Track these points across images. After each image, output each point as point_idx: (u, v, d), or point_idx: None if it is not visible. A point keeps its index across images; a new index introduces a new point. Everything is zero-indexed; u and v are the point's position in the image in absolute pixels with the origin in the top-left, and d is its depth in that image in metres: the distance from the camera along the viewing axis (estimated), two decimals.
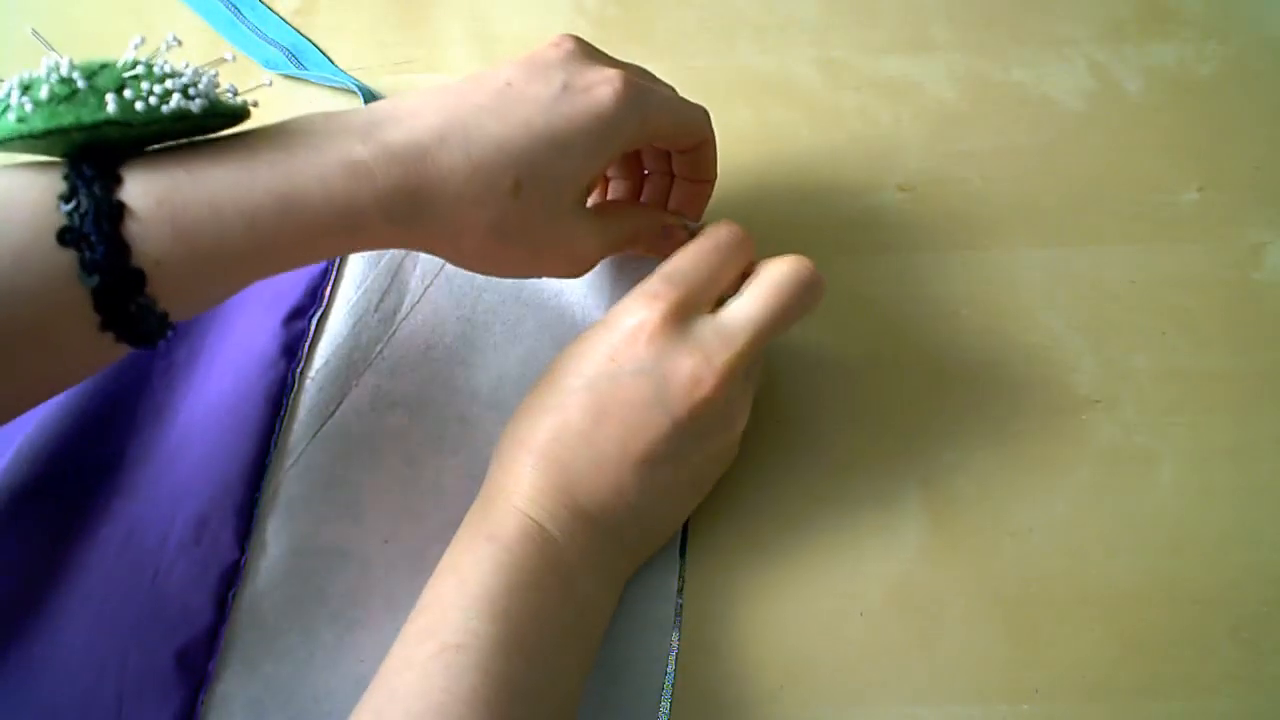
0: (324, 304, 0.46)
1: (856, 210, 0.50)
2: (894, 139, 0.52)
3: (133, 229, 0.31)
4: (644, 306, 0.38)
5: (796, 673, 0.39)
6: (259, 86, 0.37)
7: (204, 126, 0.34)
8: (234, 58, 0.37)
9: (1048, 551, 0.41)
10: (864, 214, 0.50)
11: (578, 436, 0.37)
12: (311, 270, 0.46)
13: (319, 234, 0.34)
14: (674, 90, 0.43)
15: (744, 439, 0.43)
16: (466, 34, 0.57)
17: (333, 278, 0.47)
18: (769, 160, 0.52)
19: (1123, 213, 0.49)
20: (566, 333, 0.46)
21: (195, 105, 0.32)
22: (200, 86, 0.33)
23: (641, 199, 0.47)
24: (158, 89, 0.32)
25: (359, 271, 0.47)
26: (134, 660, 0.38)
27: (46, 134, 0.31)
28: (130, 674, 0.38)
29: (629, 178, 0.47)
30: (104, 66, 0.32)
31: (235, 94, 0.35)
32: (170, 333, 0.33)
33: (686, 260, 0.40)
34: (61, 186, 0.31)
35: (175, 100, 0.32)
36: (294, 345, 0.45)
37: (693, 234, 0.43)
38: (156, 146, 0.33)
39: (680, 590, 0.41)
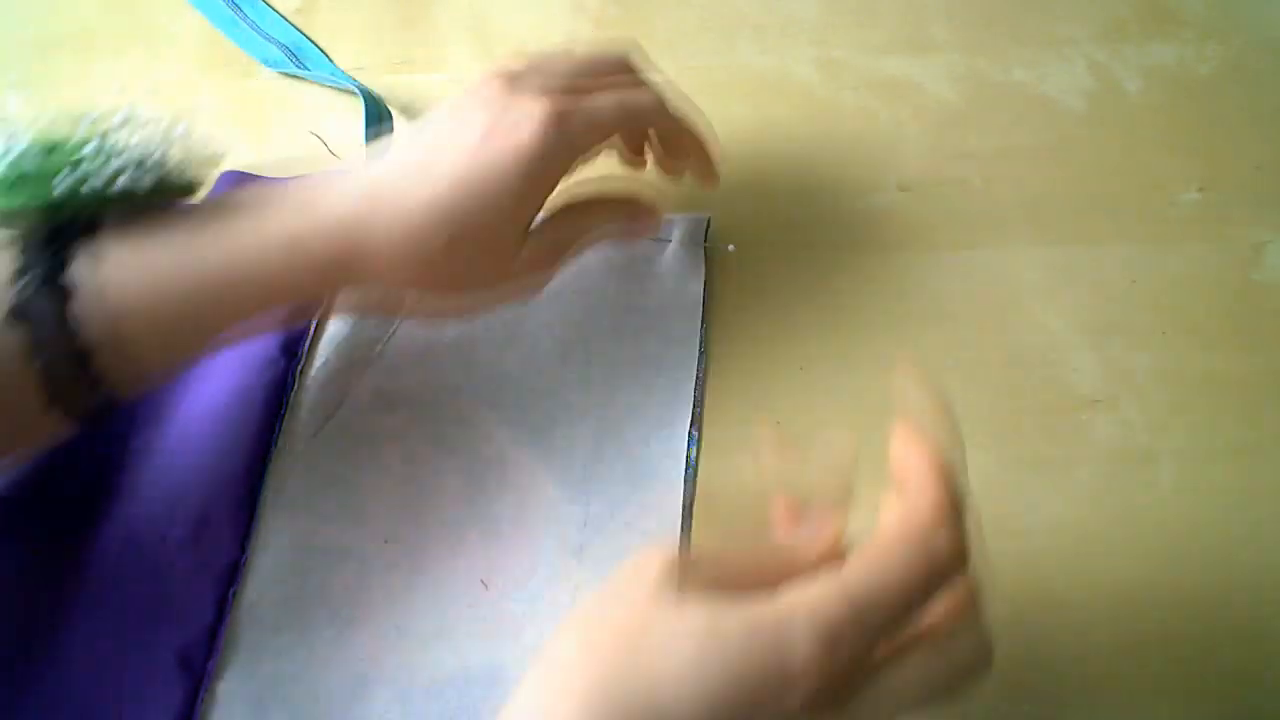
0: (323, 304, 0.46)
1: (856, 210, 0.50)
2: (894, 139, 0.52)
3: (78, 310, 0.32)
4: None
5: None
6: (213, 159, 0.38)
7: (156, 199, 0.35)
8: (185, 130, 0.37)
9: (1047, 551, 0.41)
10: (864, 214, 0.50)
11: None
12: None
13: (258, 306, 0.35)
14: (635, 78, 0.42)
15: (743, 440, 0.43)
16: (466, 34, 0.57)
17: None
18: (769, 160, 0.52)
19: (1123, 213, 0.49)
20: (567, 332, 0.46)
21: (145, 182, 0.34)
22: (151, 161, 0.34)
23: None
24: (106, 170, 0.33)
25: None
26: (134, 659, 0.38)
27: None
28: (130, 673, 0.38)
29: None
30: (55, 147, 0.33)
31: (189, 164, 0.36)
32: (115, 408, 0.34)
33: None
34: (12, 265, 0.32)
35: (122, 181, 0.33)
36: (294, 344, 0.45)
37: (654, 217, 0.43)
38: (112, 217, 0.34)
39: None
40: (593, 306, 0.47)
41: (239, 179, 0.49)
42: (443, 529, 0.42)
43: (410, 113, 0.54)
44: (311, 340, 0.45)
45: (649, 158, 0.46)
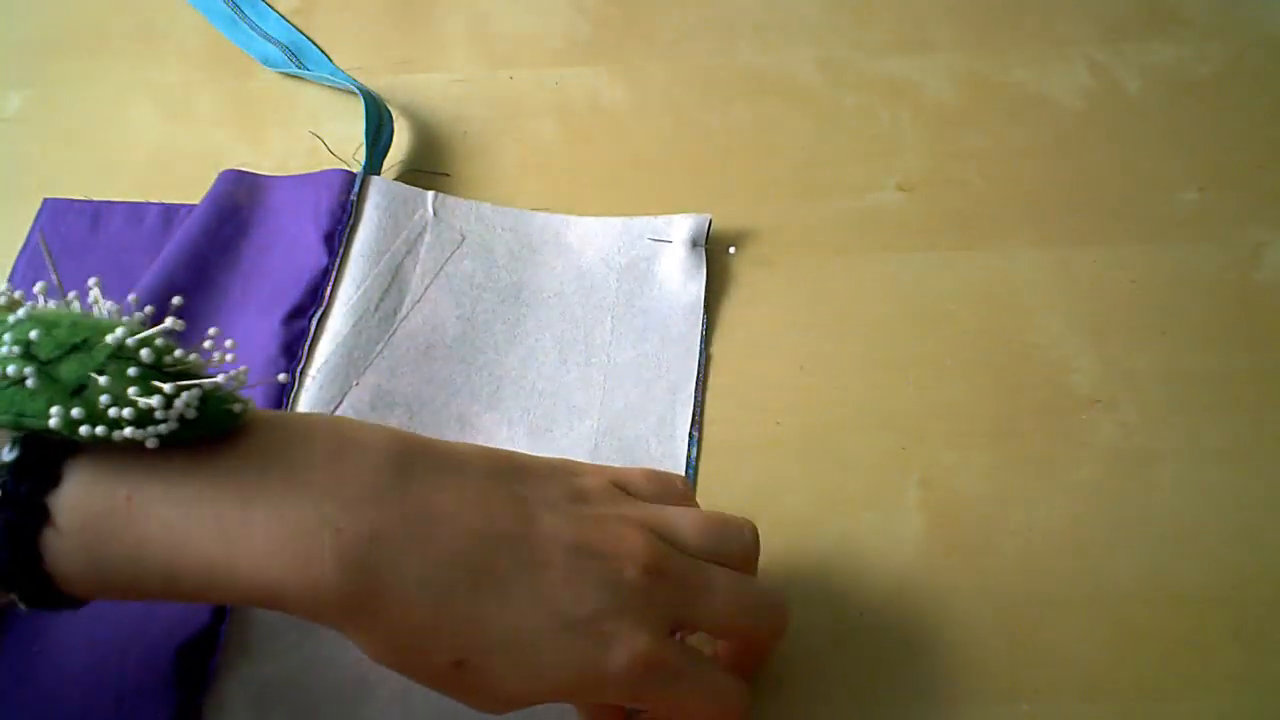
0: (324, 303, 0.46)
1: (856, 210, 0.50)
2: (894, 139, 0.52)
3: (50, 541, 0.27)
4: None
5: (796, 672, 0.39)
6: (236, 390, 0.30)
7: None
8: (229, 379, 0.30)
9: (1048, 551, 0.41)
10: (864, 214, 0.50)
11: None
12: (311, 269, 0.46)
13: (236, 600, 0.30)
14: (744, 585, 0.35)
15: (743, 440, 0.43)
16: (466, 34, 0.57)
17: (332, 277, 0.47)
18: (769, 160, 0.52)
19: (1123, 213, 0.49)
20: (567, 332, 0.46)
21: (161, 430, 0.28)
22: (177, 405, 0.28)
23: None
24: (114, 411, 0.27)
25: (359, 271, 0.47)
26: (134, 660, 0.38)
27: None
28: (130, 673, 0.37)
29: None
30: (75, 349, 0.27)
31: (227, 404, 0.30)
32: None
33: None
34: None
35: (129, 431, 0.27)
36: (294, 344, 0.45)
37: None
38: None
39: None
40: (593, 306, 0.47)
41: (238, 178, 0.49)
42: None
43: (410, 113, 0.54)
44: (312, 339, 0.45)
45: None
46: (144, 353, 0.28)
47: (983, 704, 0.38)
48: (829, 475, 0.43)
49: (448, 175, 0.52)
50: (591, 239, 0.49)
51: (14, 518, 0.27)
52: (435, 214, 0.49)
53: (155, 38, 0.58)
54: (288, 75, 0.55)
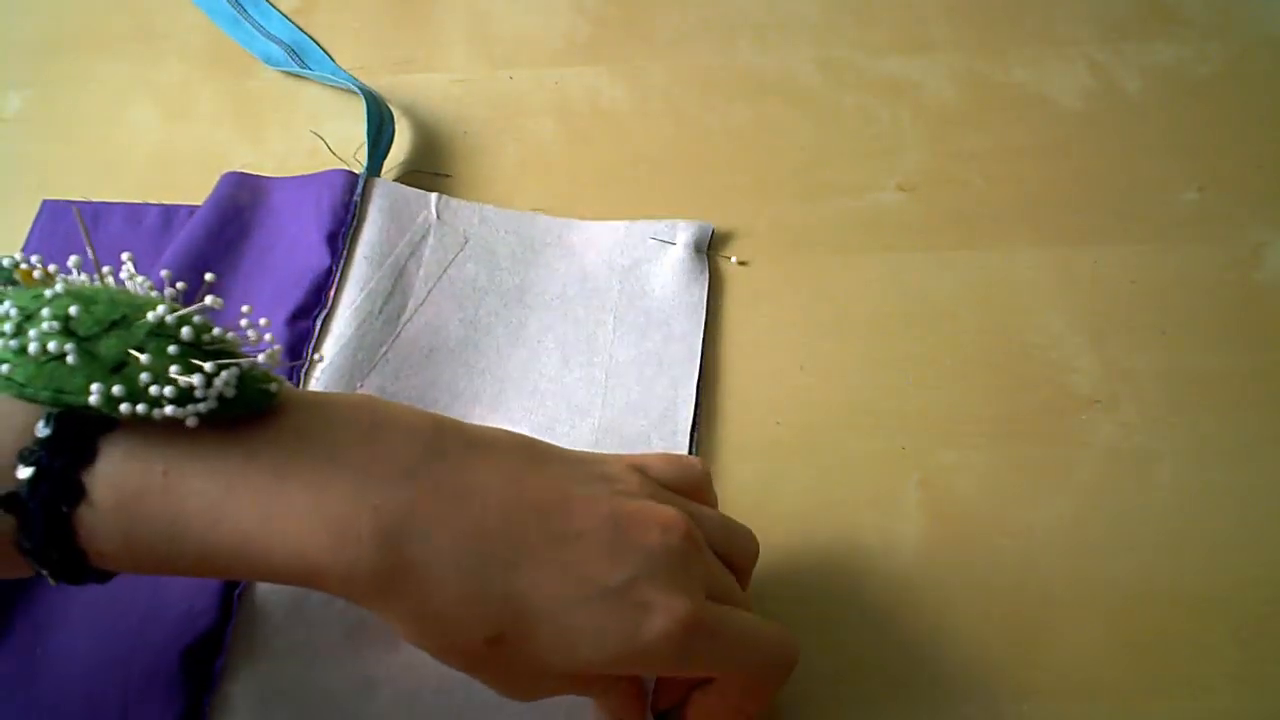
0: (328, 305, 0.46)
1: (856, 210, 0.50)
2: (894, 139, 0.52)
3: (85, 517, 0.27)
4: None
5: (796, 672, 0.39)
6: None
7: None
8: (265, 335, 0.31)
9: (1047, 551, 0.41)
10: (864, 214, 0.50)
11: None
12: (315, 270, 0.46)
13: (270, 578, 0.30)
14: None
15: (743, 440, 0.43)
16: (466, 34, 0.57)
17: (336, 279, 0.47)
18: (769, 160, 0.52)
19: (1123, 213, 0.49)
20: (569, 333, 0.46)
21: (200, 409, 0.28)
22: (217, 384, 0.28)
23: None
24: (155, 389, 0.27)
25: (363, 273, 0.47)
26: (139, 661, 0.38)
27: (21, 391, 0.27)
28: (135, 675, 0.37)
29: None
30: (115, 325, 0.27)
31: (264, 386, 0.29)
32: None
33: None
34: (31, 439, 0.27)
35: (170, 409, 0.27)
36: (298, 346, 0.45)
37: None
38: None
39: None
40: (595, 307, 0.47)
41: (240, 180, 0.49)
42: None
43: (410, 113, 0.54)
44: (316, 341, 0.45)
45: None
46: (184, 331, 0.28)
47: (983, 704, 0.38)
48: (829, 475, 0.43)
49: (449, 176, 0.52)
50: (594, 241, 0.49)
51: (49, 493, 0.27)
52: (438, 216, 0.49)
53: (155, 37, 0.58)
54: (288, 75, 0.55)
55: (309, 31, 0.57)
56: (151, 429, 0.28)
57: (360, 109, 0.51)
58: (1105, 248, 0.48)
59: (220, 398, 0.28)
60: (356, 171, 0.49)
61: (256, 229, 0.48)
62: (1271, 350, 0.45)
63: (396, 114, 0.53)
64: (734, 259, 0.49)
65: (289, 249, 0.47)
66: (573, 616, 0.30)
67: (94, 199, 0.50)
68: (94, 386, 0.27)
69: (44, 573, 0.28)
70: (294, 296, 0.46)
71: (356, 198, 0.48)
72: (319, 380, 0.44)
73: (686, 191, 0.51)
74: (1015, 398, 0.45)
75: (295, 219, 0.48)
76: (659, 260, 0.48)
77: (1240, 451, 0.43)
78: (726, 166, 0.52)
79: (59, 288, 0.28)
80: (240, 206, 0.48)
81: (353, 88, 0.52)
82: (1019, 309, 0.47)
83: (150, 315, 0.28)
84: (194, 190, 0.49)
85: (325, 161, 0.51)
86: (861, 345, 0.46)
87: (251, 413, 0.29)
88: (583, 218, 0.50)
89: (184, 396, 0.27)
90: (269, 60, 0.56)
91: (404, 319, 0.46)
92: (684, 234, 0.48)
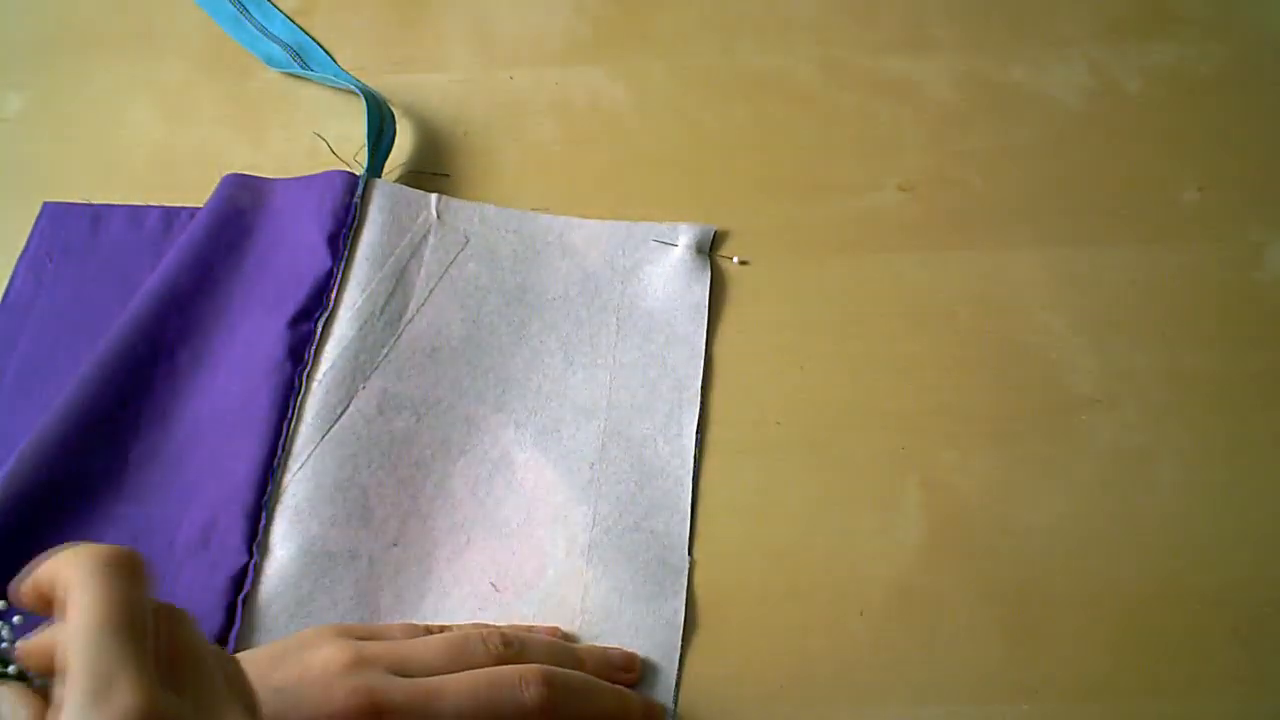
0: (329, 307, 0.46)
1: (856, 210, 0.50)
2: (894, 138, 0.52)
3: None
4: None
5: (797, 672, 0.39)
6: None
7: None
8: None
9: (1048, 551, 0.41)
10: (863, 214, 0.50)
11: None
12: (316, 272, 0.46)
13: None
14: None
15: (743, 440, 0.43)
16: (466, 34, 0.57)
17: (337, 280, 0.47)
18: (769, 159, 0.52)
19: (1123, 213, 0.49)
20: (572, 333, 0.46)
21: None
22: None
23: None
24: None
25: (363, 274, 0.47)
26: None
27: None
28: None
29: None
30: None
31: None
32: None
33: None
34: None
35: None
36: (300, 348, 0.45)
37: None
38: None
39: (686, 589, 0.41)
40: (598, 308, 0.47)
41: (241, 182, 0.49)
42: (451, 531, 0.42)
43: (410, 113, 0.54)
44: (318, 344, 0.45)
45: None
46: None
47: (983, 704, 0.39)
48: (829, 475, 0.43)
49: (448, 176, 0.52)
50: (596, 241, 0.49)
51: None
52: (439, 216, 0.49)
53: (155, 37, 0.58)
54: (288, 75, 0.55)
55: (309, 32, 0.57)
56: None
57: (361, 109, 0.51)
58: (1105, 248, 0.48)
59: None
60: (357, 173, 0.49)
61: (258, 231, 0.48)
62: (1271, 350, 0.45)
63: (397, 114, 0.53)
64: (735, 259, 0.49)
65: (290, 251, 0.47)
66: None
67: (94, 200, 0.50)
68: None
69: None
70: (296, 299, 0.46)
71: (357, 199, 0.48)
72: (321, 382, 0.44)
73: (686, 191, 0.51)
74: (1015, 398, 0.45)
75: (296, 221, 0.48)
76: (661, 261, 0.48)
77: (1240, 451, 0.43)
78: (726, 166, 0.52)
79: None
80: (241, 209, 0.48)
81: (354, 89, 0.52)
82: (1019, 309, 0.47)
83: None
84: (194, 191, 0.49)
85: (325, 162, 0.51)
86: (861, 345, 0.46)
87: None
88: (583, 217, 0.50)
89: None
90: (271, 61, 0.56)
91: (405, 319, 0.46)
92: (686, 235, 0.48)
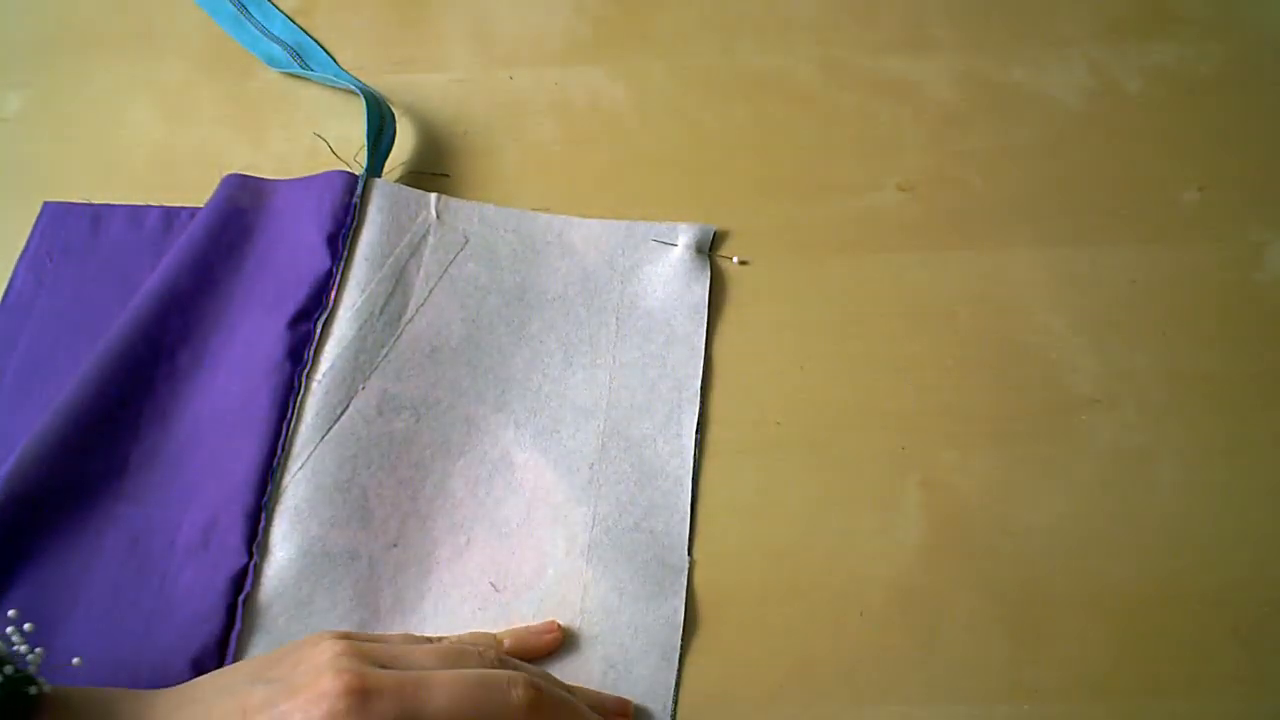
0: (329, 307, 0.46)
1: (856, 210, 0.50)
2: (894, 138, 0.52)
3: None
4: None
5: (797, 673, 0.39)
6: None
7: None
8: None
9: (1048, 551, 0.41)
10: (863, 214, 0.50)
11: None
12: (315, 272, 0.46)
13: None
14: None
15: (743, 440, 0.43)
16: (466, 34, 0.57)
17: (337, 280, 0.47)
18: (769, 159, 0.52)
19: (1123, 213, 0.49)
20: (572, 333, 0.46)
21: None
22: None
23: None
24: None
25: (363, 275, 0.47)
26: (146, 663, 0.38)
27: None
28: (144, 676, 0.38)
29: None
30: None
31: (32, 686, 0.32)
32: None
33: None
34: None
35: None
36: (299, 348, 0.45)
37: None
38: None
39: (686, 589, 0.41)
40: (597, 308, 0.47)
41: (241, 182, 0.49)
42: (451, 532, 0.42)
43: (410, 113, 0.54)
44: (317, 344, 0.45)
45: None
46: None
47: (983, 704, 0.39)
48: (829, 475, 0.43)
49: (447, 176, 0.52)
50: (595, 241, 0.49)
51: None
52: (438, 216, 0.49)
53: (155, 37, 0.58)
54: (288, 75, 0.55)
55: (309, 31, 0.57)
56: None
57: (360, 110, 0.51)
58: (1105, 248, 0.48)
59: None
60: (357, 173, 0.49)
61: (257, 231, 0.48)
62: (1271, 350, 0.45)
63: (397, 114, 0.53)
64: (735, 259, 0.49)
65: (290, 251, 0.47)
66: None
67: (94, 200, 0.50)
68: None
69: None
70: (295, 299, 0.46)
71: (356, 199, 0.48)
72: (321, 383, 0.44)
73: (686, 191, 0.51)
74: (1015, 398, 0.45)
75: (296, 221, 0.48)
76: (661, 261, 0.48)
77: (1240, 451, 0.43)
78: (726, 166, 0.52)
79: None
80: (241, 209, 0.48)
81: (354, 88, 0.52)
82: (1019, 309, 0.47)
83: None
84: (194, 191, 0.49)
85: (326, 162, 0.51)
86: (861, 345, 0.46)
87: (14, 714, 0.31)
88: (583, 217, 0.50)
89: None
90: (271, 61, 0.56)
91: (405, 319, 0.46)
92: (685, 235, 0.48)
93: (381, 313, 0.46)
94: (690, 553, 0.42)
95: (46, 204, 0.50)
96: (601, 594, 0.41)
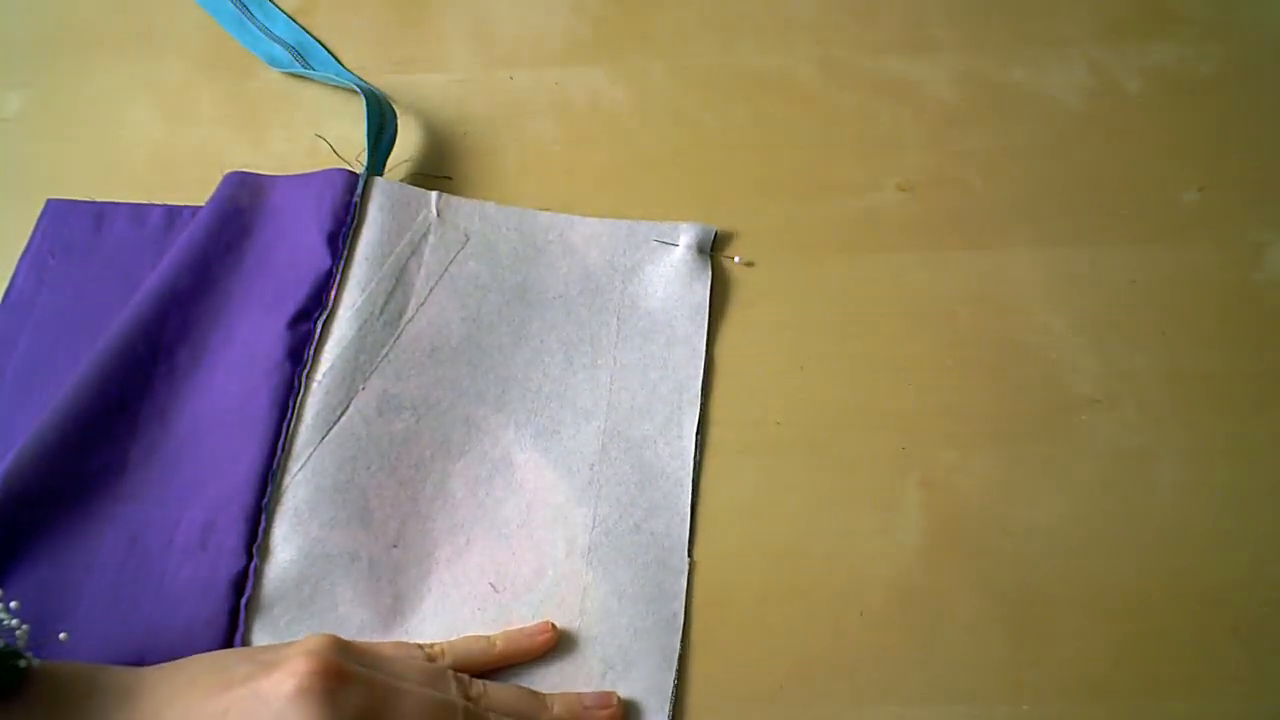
0: (329, 306, 0.46)
1: (856, 210, 0.50)
2: (894, 138, 0.52)
3: None
4: None
5: (797, 673, 0.39)
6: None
7: None
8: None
9: (1048, 551, 0.41)
10: (863, 214, 0.50)
11: None
12: (315, 272, 0.46)
13: None
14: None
15: (743, 440, 0.43)
16: (466, 34, 0.57)
17: (337, 280, 0.47)
18: (769, 160, 0.52)
19: (1123, 213, 0.49)
20: (573, 333, 0.46)
21: None
22: None
23: None
24: None
25: (363, 274, 0.47)
26: (149, 664, 0.38)
27: None
28: None
29: None
30: None
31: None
32: None
33: None
34: None
35: None
36: (299, 348, 0.45)
37: None
38: None
39: (686, 590, 0.41)
40: (598, 308, 0.47)
41: (241, 180, 0.49)
42: (451, 532, 0.42)
43: (411, 113, 0.54)
44: (317, 344, 0.45)
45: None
46: None
47: (983, 704, 0.39)
48: (829, 475, 0.43)
49: (449, 178, 0.52)
50: (596, 240, 0.49)
51: None
52: (439, 214, 0.49)
53: (155, 37, 0.58)
54: (289, 75, 0.55)
55: (310, 31, 0.57)
56: None
57: (362, 111, 0.51)
58: (1105, 248, 0.48)
59: None
60: (358, 172, 0.49)
61: (257, 230, 0.48)
62: (1271, 350, 0.45)
63: (397, 114, 0.53)
64: (737, 259, 0.49)
65: (290, 250, 0.47)
66: None
67: (95, 199, 0.50)
68: None
69: None
70: (295, 298, 0.46)
71: (356, 197, 0.48)
72: (321, 383, 0.44)
73: (686, 191, 0.51)
74: (1015, 398, 0.45)
75: (296, 220, 0.48)
76: (662, 261, 0.48)
77: (1240, 451, 0.43)
78: (726, 166, 0.52)
79: None
80: (241, 207, 0.48)
81: (356, 87, 0.52)
82: (1019, 309, 0.47)
83: None
84: (194, 191, 0.49)
85: (326, 163, 0.51)
86: (861, 345, 0.46)
87: (3, 688, 0.32)
88: (584, 216, 0.50)
89: None
90: (273, 62, 0.56)
91: (405, 318, 0.46)
92: (686, 235, 0.48)
93: (382, 312, 0.46)
94: (690, 554, 0.42)
95: (50, 201, 0.50)
96: (601, 596, 0.41)
